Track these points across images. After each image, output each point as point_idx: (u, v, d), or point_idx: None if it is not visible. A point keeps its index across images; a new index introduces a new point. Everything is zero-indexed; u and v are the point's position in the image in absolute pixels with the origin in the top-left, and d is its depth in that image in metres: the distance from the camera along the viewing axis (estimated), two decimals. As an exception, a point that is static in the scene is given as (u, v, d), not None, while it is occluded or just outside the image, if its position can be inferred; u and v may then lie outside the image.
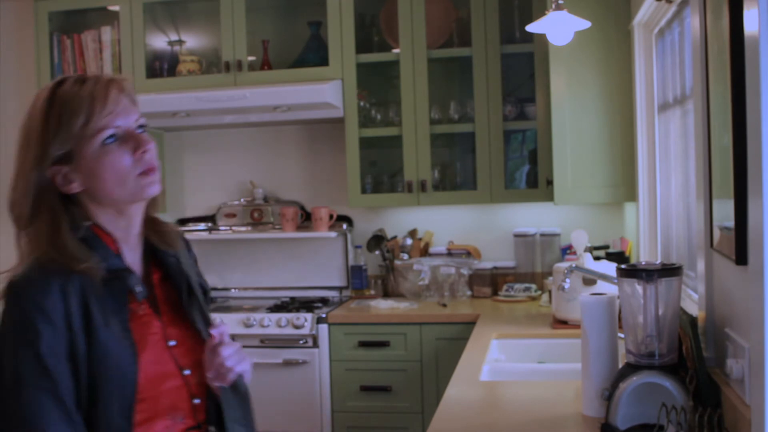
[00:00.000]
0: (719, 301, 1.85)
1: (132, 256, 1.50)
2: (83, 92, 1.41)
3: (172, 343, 1.48)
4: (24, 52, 4.57)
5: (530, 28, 2.93)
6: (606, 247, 3.69)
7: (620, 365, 1.96)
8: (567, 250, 3.84)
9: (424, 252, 4.16)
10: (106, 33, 4.24)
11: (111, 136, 1.41)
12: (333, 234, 4.15)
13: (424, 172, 3.93)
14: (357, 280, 4.18)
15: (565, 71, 3.54)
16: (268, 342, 3.76)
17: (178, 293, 1.53)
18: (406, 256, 4.12)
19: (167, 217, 4.25)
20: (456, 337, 3.52)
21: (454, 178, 4.14)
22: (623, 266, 1.93)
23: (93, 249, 1.42)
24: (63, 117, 1.39)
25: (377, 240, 4.17)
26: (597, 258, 3.20)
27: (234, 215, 4.36)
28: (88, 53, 4.27)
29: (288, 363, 3.73)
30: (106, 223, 1.47)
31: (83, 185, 1.43)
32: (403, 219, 4.27)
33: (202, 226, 4.39)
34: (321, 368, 3.71)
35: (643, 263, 1.95)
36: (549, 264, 3.96)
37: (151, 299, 1.50)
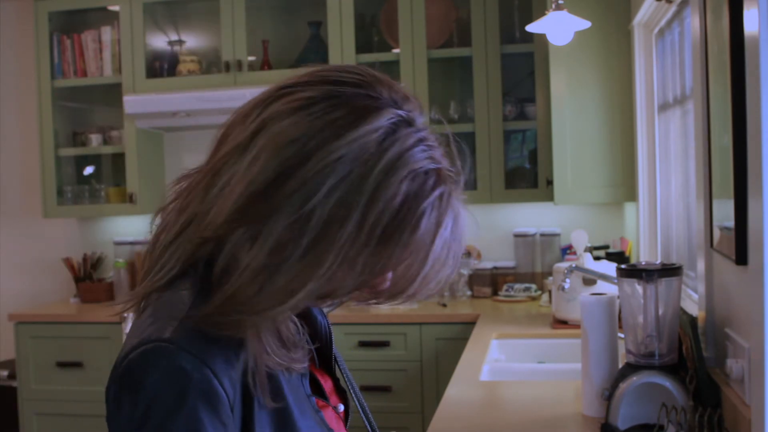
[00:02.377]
0: (719, 301, 1.85)
1: None
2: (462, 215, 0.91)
3: (341, 408, 1.07)
4: (24, 52, 4.57)
5: (530, 28, 2.93)
6: (606, 247, 3.69)
7: (620, 365, 1.96)
8: (567, 250, 3.84)
9: (424, 252, 4.15)
10: (106, 33, 4.24)
11: None
12: (333, 234, 4.14)
13: (424, 172, 3.92)
14: (357, 280, 4.18)
15: (565, 71, 3.54)
16: (268, 342, 3.75)
17: (313, 334, 1.07)
18: (406, 256, 4.11)
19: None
20: (456, 337, 3.52)
21: (454, 178, 4.13)
22: (623, 266, 1.93)
23: None
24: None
25: (377, 240, 4.16)
26: (597, 258, 3.20)
27: (234, 215, 4.36)
28: (88, 53, 4.28)
29: (288, 363, 3.72)
30: None
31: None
32: (403, 219, 4.26)
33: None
34: (321, 368, 3.71)
35: (643, 263, 1.95)
36: (549, 264, 3.96)
37: None
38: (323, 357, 1.08)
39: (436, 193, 0.85)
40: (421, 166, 0.85)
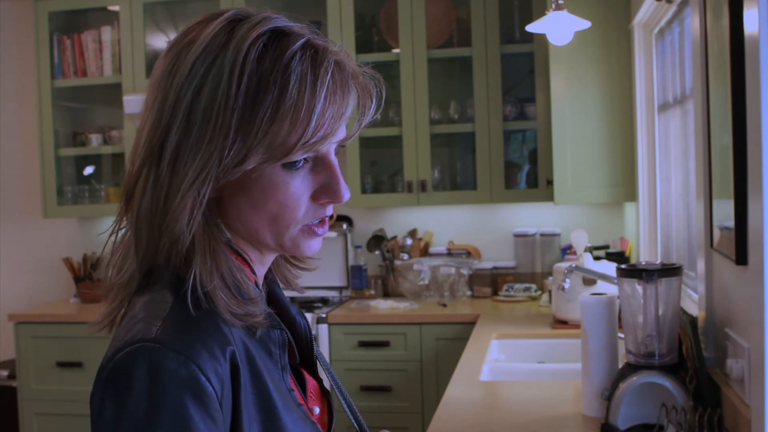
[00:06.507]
0: (719, 301, 1.86)
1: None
2: (348, 69, 0.92)
3: (316, 410, 1.05)
4: (24, 52, 4.57)
5: (530, 28, 2.93)
6: (606, 247, 3.69)
7: (620, 365, 1.96)
8: (567, 250, 3.84)
9: (424, 252, 4.16)
10: (106, 33, 4.24)
11: (307, 160, 0.92)
12: (333, 234, 4.15)
13: (424, 172, 3.93)
14: (357, 280, 4.18)
15: (565, 71, 3.54)
16: (268, 342, 3.75)
17: (295, 335, 1.08)
18: (406, 256, 4.12)
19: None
20: (456, 337, 3.52)
21: (454, 178, 4.14)
22: (623, 266, 1.93)
23: None
24: (343, 95, 0.90)
25: (377, 240, 4.17)
26: (597, 258, 3.20)
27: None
28: (88, 53, 4.28)
29: (288, 363, 3.72)
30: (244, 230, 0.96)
31: (230, 198, 0.93)
32: (403, 219, 4.27)
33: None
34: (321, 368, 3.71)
35: (643, 263, 1.95)
36: (549, 264, 3.96)
37: None
38: (306, 358, 1.08)
39: (299, 43, 0.89)
40: (268, 27, 0.89)
